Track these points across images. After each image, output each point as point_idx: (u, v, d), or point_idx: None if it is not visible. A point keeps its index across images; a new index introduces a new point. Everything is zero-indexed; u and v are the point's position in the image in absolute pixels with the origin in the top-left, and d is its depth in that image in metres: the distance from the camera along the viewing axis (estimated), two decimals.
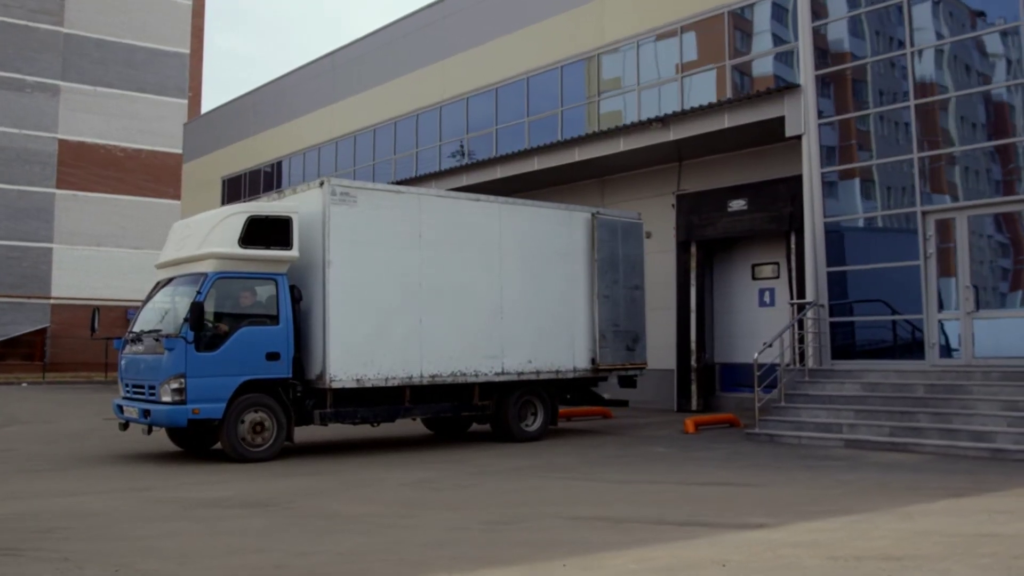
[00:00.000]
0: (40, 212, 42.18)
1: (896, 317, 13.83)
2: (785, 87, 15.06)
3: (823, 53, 14.70)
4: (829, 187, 14.54)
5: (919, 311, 13.20)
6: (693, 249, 18.10)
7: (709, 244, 18.17)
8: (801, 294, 15.13)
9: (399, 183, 20.98)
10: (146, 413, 10.84)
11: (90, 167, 43.44)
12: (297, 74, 30.28)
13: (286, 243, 11.27)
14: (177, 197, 39.72)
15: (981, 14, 13.14)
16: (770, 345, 13.94)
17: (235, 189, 33.30)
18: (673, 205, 18.38)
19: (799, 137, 14.82)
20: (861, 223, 14.52)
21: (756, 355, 13.53)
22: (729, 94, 16.82)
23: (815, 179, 14.51)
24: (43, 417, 18.40)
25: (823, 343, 14.16)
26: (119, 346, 12.07)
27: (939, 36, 13.39)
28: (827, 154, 14.57)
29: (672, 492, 8.88)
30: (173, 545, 6.39)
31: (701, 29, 17.87)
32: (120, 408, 11.54)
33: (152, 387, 10.88)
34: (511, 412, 13.11)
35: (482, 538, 6.66)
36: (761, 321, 17.21)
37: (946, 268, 13.13)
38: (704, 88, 17.57)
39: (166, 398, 10.61)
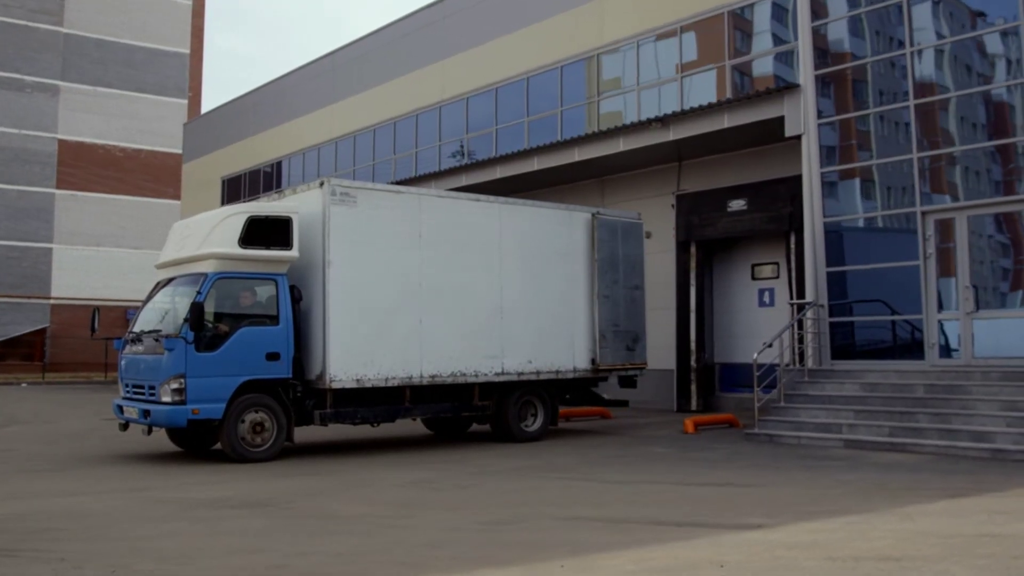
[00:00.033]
0: (40, 212, 42.18)
1: (896, 317, 13.83)
2: (785, 87, 15.06)
3: (823, 53, 14.70)
4: (829, 187, 14.54)
5: (919, 311, 13.21)
6: (693, 249, 18.10)
7: (709, 244, 18.17)
8: (801, 294, 15.13)
9: (399, 183, 20.99)
10: (146, 413, 10.85)
11: (90, 167, 43.45)
12: (297, 74, 30.29)
13: (286, 243, 11.28)
14: (177, 197, 39.73)
15: (981, 14, 13.15)
16: (770, 345, 13.95)
17: (235, 189, 33.30)
18: (673, 205, 18.39)
19: (799, 137, 14.82)
20: (861, 223, 14.53)
21: (755, 355, 13.54)
22: (729, 94, 16.82)
23: (815, 179, 14.52)
24: (43, 417, 18.40)
25: (823, 343, 14.17)
26: (119, 346, 12.07)
27: (939, 36, 13.39)
28: (827, 154, 14.58)
29: (671, 492, 8.89)
30: (171, 545, 6.39)
31: (701, 29, 17.87)
32: (120, 408, 11.55)
33: (152, 387, 10.89)
34: (511, 412, 13.12)
35: (481, 538, 6.67)
36: (761, 321, 17.22)
37: (946, 268, 13.14)
38: (704, 88, 17.57)
39: (166, 398, 10.62)
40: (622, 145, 17.65)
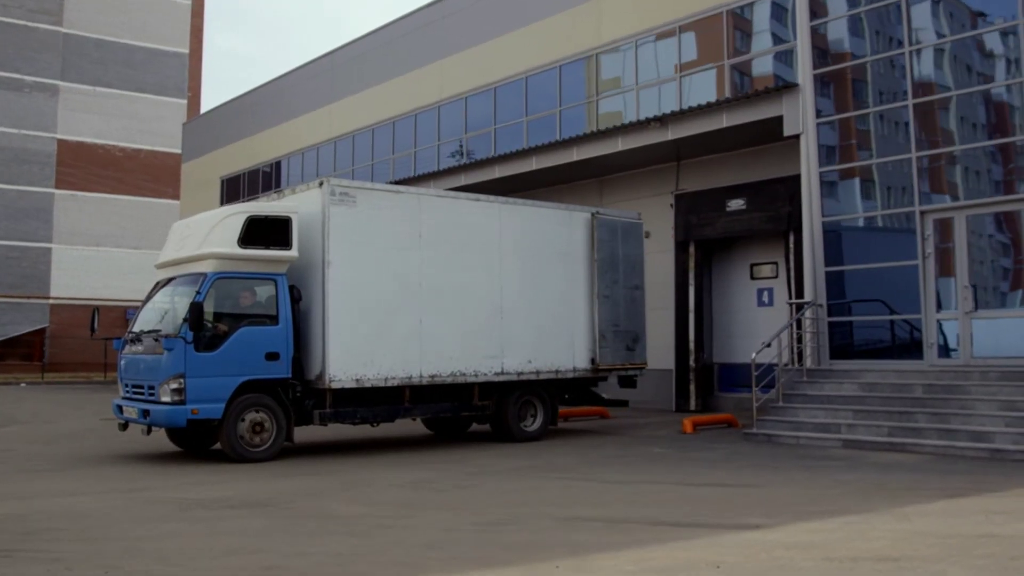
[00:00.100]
0: (39, 212, 42.18)
1: (894, 317, 13.84)
2: (783, 86, 15.07)
3: (822, 52, 14.71)
4: (827, 187, 14.55)
5: (917, 311, 13.22)
6: (691, 249, 18.11)
7: (708, 244, 18.18)
8: (800, 294, 15.14)
9: (398, 183, 20.98)
10: (145, 413, 10.85)
11: (89, 167, 43.44)
12: (296, 74, 30.29)
13: (286, 243, 11.28)
14: (176, 197, 39.72)
15: (981, 14, 13.15)
16: (768, 345, 13.95)
17: (234, 189, 33.30)
18: (671, 205, 18.39)
19: (797, 137, 14.83)
20: (860, 223, 14.53)
21: (754, 355, 13.54)
22: (728, 94, 16.83)
23: (813, 179, 14.52)
24: (42, 417, 18.40)
25: (821, 343, 14.18)
26: (118, 346, 12.08)
27: (938, 35, 13.40)
28: (826, 154, 14.59)
29: (670, 493, 8.89)
30: (169, 546, 6.39)
31: (700, 28, 17.88)
32: (120, 408, 11.56)
33: (151, 387, 10.90)
34: (511, 412, 13.13)
35: (479, 539, 6.67)
36: (760, 321, 17.23)
37: (945, 268, 13.15)
38: (703, 88, 17.58)
39: (165, 398, 10.63)
40: (621, 145, 17.65)
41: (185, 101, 46.39)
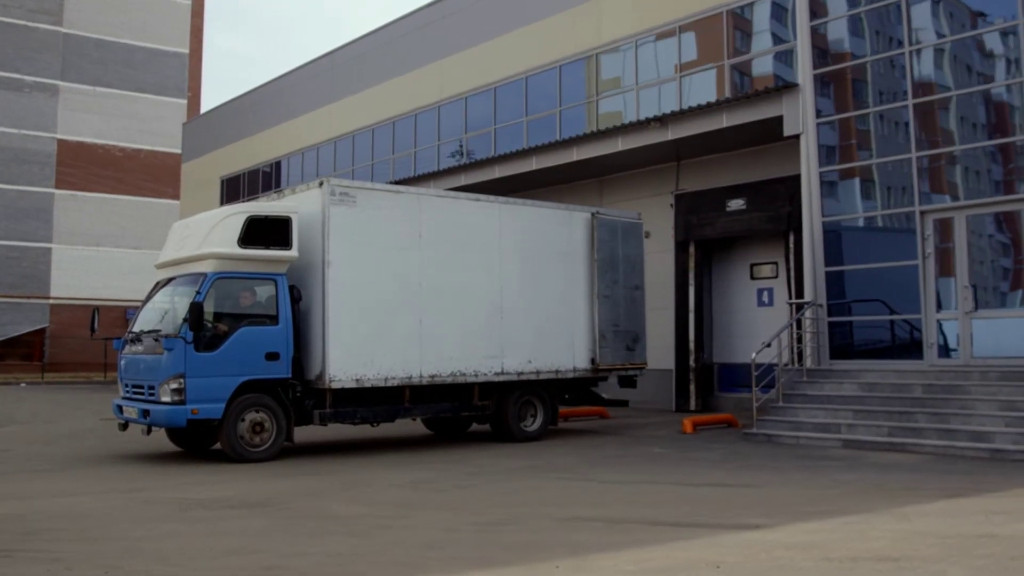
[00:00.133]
0: (39, 212, 42.18)
1: (894, 317, 13.84)
2: (783, 86, 15.07)
3: (822, 52, 14.71)
4: (827, 187, 14.55)
5: (917, 311, 13.22)
6: (691, 249, 18.11)
7: (707, 244, 18.18)
8: (800, 294, 15.14)
9: (398, 183, 20.98)
10: (145, 413, 10.86)
11: (89, 167, 43.44)
12: (296, 74, 30.29)
13: (285, 243, 11.29)
14: (176, 197, 39.72)
15: (981, 14, 13.15)
16: (768, 345, 13.95)
17: (234, 189, 33.31)
18: (671, 205, 18.39)
19: (797, 136, 14.83)
20: (860, 223, 14.53)
21: (754, 355, 13.54)
22: (728, 94, 16.82)
23: (813, 179, 14.53)
24: (42, 417, 18.41)
25: (821, 343, 14.18)
26: (119, 346, 12.08)
27: (938, 35, 13.40)
28: (825, 154, 14.59)
29: (670, 493, 8.90)
30: (168, 546, 6.40)
31: (700, 28, 17.88)
32: (120, 408, 11.56)
33: (151, 387, 10.90)
34: (511, 412, 13.13)
35: (479, 539, 6.67)
36: (760, 321, 17.22)
37: (945, 268, 13.15)
38: (703, 88, 17.58)
39: (165, 398, 10.63)
40: (620, 145, 17.65)
41: (185, 101, 46.39)
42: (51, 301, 41.84)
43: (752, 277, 17.91)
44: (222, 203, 32.52)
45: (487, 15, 22.73)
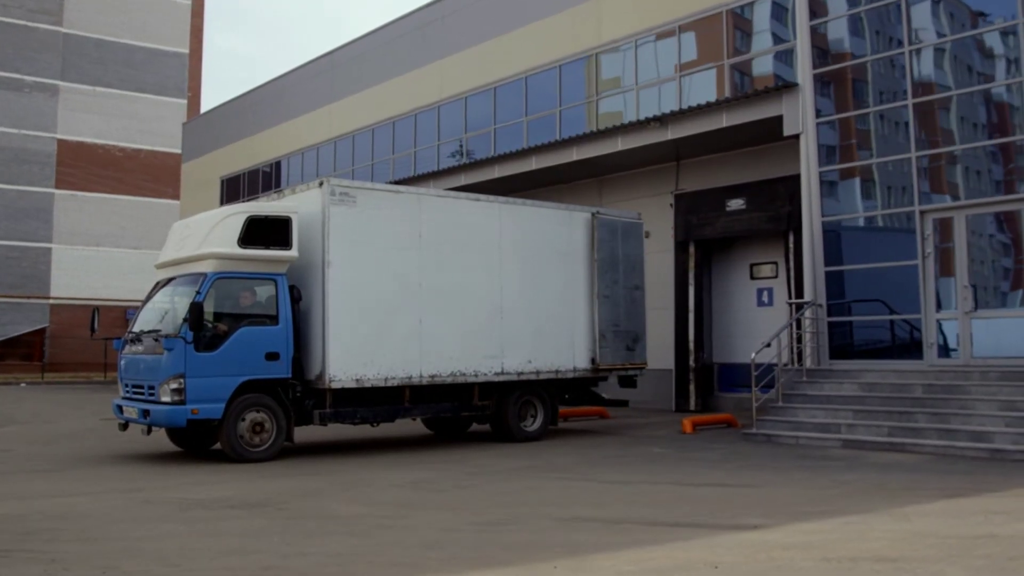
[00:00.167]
0: (39, 212, 42.18)
1: (894, 317, 13.84)
2: (783, 86, 15.07)
3: (822, 52, 14.72)
4: (827, 186, 14.55)
5: (917, 311, 13.22)
6: (691, 249, 18.11)
7: (707, 244, 18.18)
8: (799, 294, 15.14)
9: (397, 183, 20.99)
10: (145, 413, 10.86)
11: (89, 167, 43.44)
12: (296, 74, 30.29)
13: (285, 243, 11.29)
14: (176, 197, 39.73)
15: (981, 14, 13.15)
16: (768, 345, 13.95)
17: (234, 189, 33.31)
18: (671, 205, 18.40)
19: (797, 136, 14.83)
20: (860, 223, 14.53)
21: (753, 355, 13.54)
22: (728, 93, 16.83)
23: (813, 178, 14.53)
24: (42, 417, 18.41)
25: (821, 343, 14.18)
26: (119, 346, 12.09)
27: (939, 35, 13.40)
28: (825, 153, 14.59)
29: (669, 493, 8.90)
30: (166, 546, 6.40)
31: (700, 28, 17.88)
32: (120, 408, 11.57)
33: (151, 387, 10.90)
34: (511, 412, 13.13)
35: (478, 539, 6.68)
36: (759, 321, 17.22)
37: (945, 268, 13.15)
38: (704, 87, 17.58)
39: (165, 398, 10.64)
40: (620, 144, 17.66)
41: (185, 101, 46.39)
42: (51, 301, 41.85)
43: (752, 277, 17.92)
44: (222, 203, 32.52)
45: (487, 15, 22.73)
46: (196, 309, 10.51)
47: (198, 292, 10.71)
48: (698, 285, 18.08)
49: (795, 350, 14.39)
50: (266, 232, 11.18)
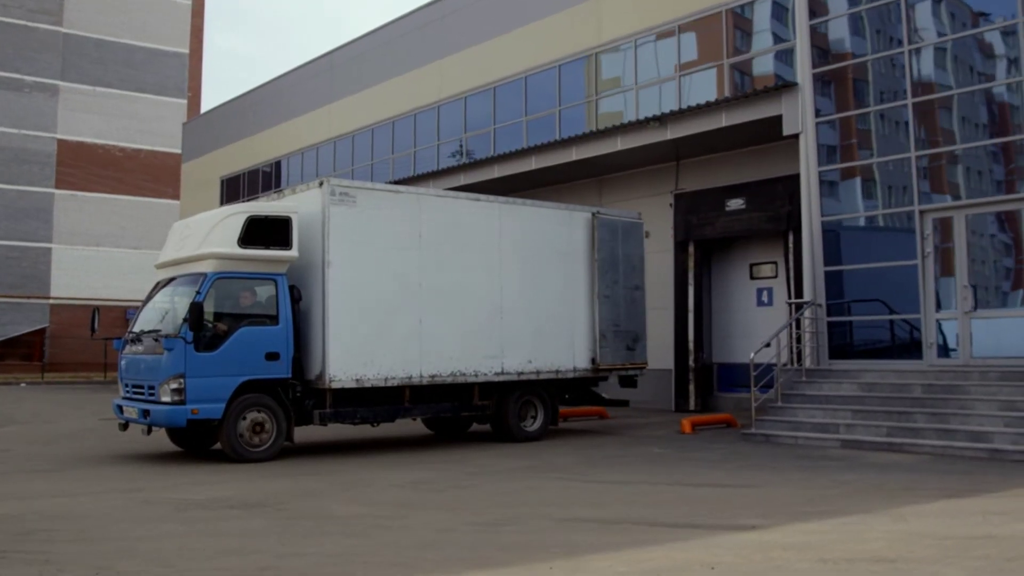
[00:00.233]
0: (39, 212, 42.18)
1: (894, 317, 13.85)
2: (782, 85, 15.07)
3: (822, 52, 14.72)
4: (827, 186, 14.56)
5: (917, 311, 13.22)
6: (691, 248, 18.12)
7: (707, 243, 18.19)
8: (799, 294, 15.15)
9: (397, 183, 21.00)
10: (145, 413, 10.87)
11: (89, 167, 43.44)
12: (295, 74, 30.30)
13: (285, 243, 11.30)
14: (176, 197, 39.74)
15: (982, 14, 13.15)
16: (767, 345, 13.95)
17: (234, 189, 33.32)
18: (671, 204, 18.40)
19: (797, 136, 14.83)
20: (859, 222, 14.54)
21: (752, 355, 13.55)
22: (728, 93, 16.83)
23: (813, 178, 14.53)
24: (42, 417, 18.42)
25: (820, 343, 14.18)
26: (119, 346, 12.10)
27: (939, 35, 13.40)
28: (825, 153, 14.59)
29: (668, 493, 8.91)
30: (164, 546, 6.40)
31: (700, 28, 17.88)
32: (120, 408, 11.58)
33: (152, 387, 10.91)
34: (511, 412, 13.14)
35: (475, 539, 6.69)
36: (759, 321, 17.23)
37: (945, 267, 13.15)
38: (704, 87, 17.58)
39: (165, 398, 10.65)
40: (620, 144, 17.66)
41: (185, 101, 46.39)
42: (51, 301, 41.85)
43: (751, 277, 17.92)
44: (222, 203, 32.53)
45: (486, 15, 22.73)
46: (196, 309, 10.52)
47: (198, 292, 10.72)
48: (698, 285, 18.09)
49: (794, 350, 14.39)
50: (266, 232, 11.19)
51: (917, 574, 5.41)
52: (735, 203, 17.29)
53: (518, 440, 13.13)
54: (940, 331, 13.12)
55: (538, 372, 13.27)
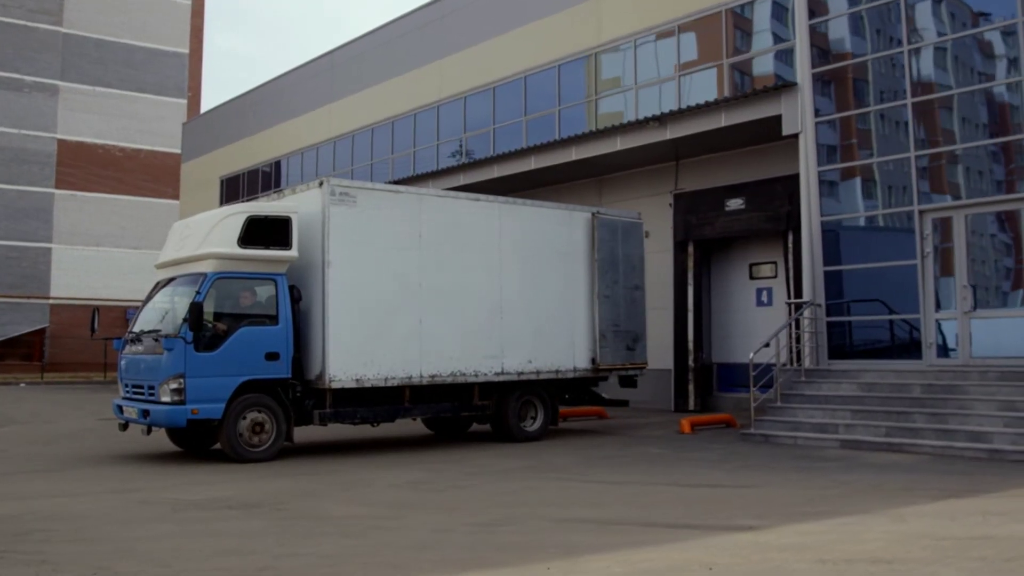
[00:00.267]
0: (39, 212, 42.18)
1: (893, 317, 13.85)
2: (782, 85, 15.07)
3: (822, 51, 14.72)
4: (827, 186, 14.56)
5: (916, 311, 13.22)
6: (690, 248, 18.12)
7: (707, 243, 18.19)
8: (798, 294, 15.15)
9: (397, 182, 21.01)
10: (145, 413, 10.88)
11: (89, 167, 43.44)
12: (295, 74, 30.31)
13: (285, 243, 11.31)
14: (176, 197, 39.74)
15: (981, 13, 13.15)
16: (766, 345, 13.95)
17: (234, 189, 33.32)
18: (670, 204, 18.40)
19: (796, 136, 14.83)
20: (859, 222, 14.54)
21: (752, 355, 13.55)
22: (728, 93, 16.83)
23: (812, 178, 14.53)
24: (41, 417, 18.43)
25: (820, 343, 14.18)
26: (119, 346, 12.10)
27: (939, 34, 13.40)
28: (825, 153, 14.60)
29: (667, 493, 8.91)
30: (161, 546, 6.41)
31: (700, 28, 17.88)
32: (120, 408, 11.58)
33: (151, 387, 10.92)
34: (511, 412, 13.14)
35: (473, 540, 6.69)
36: (759, 321, 17.23)
37: (944, 267, 13.15)
38: (703, 87, 17.58)
39: (165, 398, 10.65)
40: (619, 144, 17.66)
41: (185, 101, 46.39)
42: (51, 301, 41.85)
43: (751, 277, 17.92)
44: (222, 203, 32.54)
45: (486, 15, 22.74)
46: (196, 309, 10.53)
47: (198, 292, 10.73)
48: (697, 285, 18.09)
49: (794, 350, 14.39)
50: (266, 232, 11.20)
51: (915, 575, 5.40)
52: (735, 203, 17.29)
53: (518, 440, 13.13)
54: (939, 331, 13.12)
55: (538, 372, 13.27)
